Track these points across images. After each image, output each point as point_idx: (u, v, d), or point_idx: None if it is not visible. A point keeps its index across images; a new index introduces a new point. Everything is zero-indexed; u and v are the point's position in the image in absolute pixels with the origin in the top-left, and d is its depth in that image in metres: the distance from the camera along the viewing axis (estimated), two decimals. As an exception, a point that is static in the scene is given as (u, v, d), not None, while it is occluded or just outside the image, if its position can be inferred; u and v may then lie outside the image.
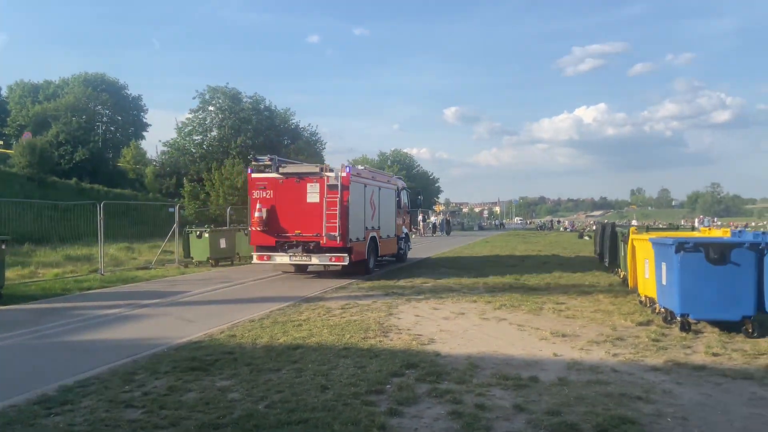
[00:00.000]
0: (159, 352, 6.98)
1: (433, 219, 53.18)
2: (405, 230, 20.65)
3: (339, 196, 14.07)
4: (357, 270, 15.15)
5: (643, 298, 10.03)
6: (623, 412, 4.75)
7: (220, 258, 18.80)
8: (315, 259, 14.55)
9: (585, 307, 10.10)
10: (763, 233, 7.85)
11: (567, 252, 24.05)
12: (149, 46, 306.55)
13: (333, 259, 14.36)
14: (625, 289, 11.87)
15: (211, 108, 60.68)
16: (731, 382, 5.67)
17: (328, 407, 4.90)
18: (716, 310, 7.65)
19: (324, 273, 15.84)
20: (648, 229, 15.97)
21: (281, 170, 14.82)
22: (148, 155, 55.46)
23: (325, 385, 5.51)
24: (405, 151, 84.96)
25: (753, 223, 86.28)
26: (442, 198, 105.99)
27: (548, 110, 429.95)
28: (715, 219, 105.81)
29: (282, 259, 14.72)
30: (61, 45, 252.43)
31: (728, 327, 7.85)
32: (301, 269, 16.00)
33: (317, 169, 14.78)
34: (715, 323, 8.08)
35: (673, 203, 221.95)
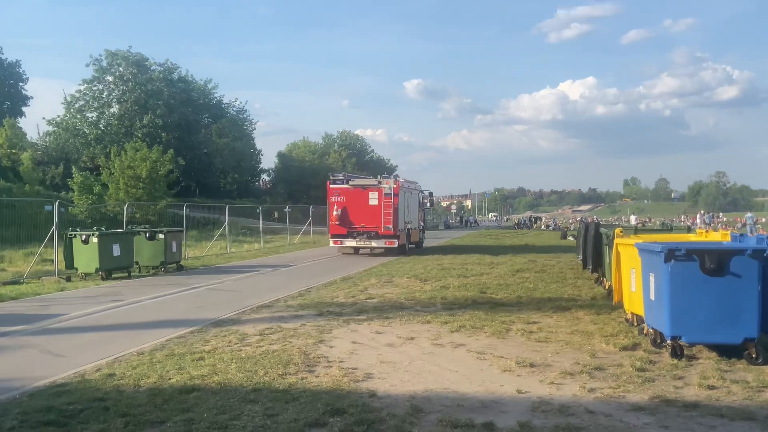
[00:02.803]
0: (7, 401, 6.48)
1: None
2: (422, 223, 31.88)
3: (392, 201, 24.55)
4: (401, 251, 25.55)
5: (629, 316, 10.07)
6: (595, 470, 4.62)
7: (113, 269, 18.09)
8: (374, 243, 25.03)
9: (561, 327, 10.07)
10: (768, 237, 7.90)
11: (545, 256, 24.27)
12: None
13: (387, 242, 24.78)
14: (610, 303, 11.92)
15: (109, 78, 59.22)
16: (729, 424, 5.63)
17: (219, 474, 4.58)
18: (713, 331, 7.66)
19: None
20: (637, 230, 16.18)
21: (350, 183, 25.59)
22: (29, 137, 53.49)
23: (220, 443, 5.18)
24: (356, 132, 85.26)
25: (764, 219, 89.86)
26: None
27: (528, 84, 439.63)
28: (721, 214, 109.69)
29: (350, 243, 25.11)
30: None
31: (728, 351, 7.90)
32: (355, 250, 26.10)
33: (376, 182, 25.59)
34: (712, 347, 8.13)
35: (673, 195, 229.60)
